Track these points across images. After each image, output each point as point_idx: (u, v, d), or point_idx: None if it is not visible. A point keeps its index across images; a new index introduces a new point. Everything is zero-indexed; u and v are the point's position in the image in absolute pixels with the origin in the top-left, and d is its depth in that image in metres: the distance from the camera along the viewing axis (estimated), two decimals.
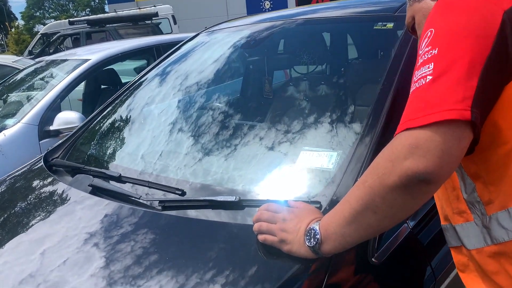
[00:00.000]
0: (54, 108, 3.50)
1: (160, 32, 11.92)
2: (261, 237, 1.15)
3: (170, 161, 1.76)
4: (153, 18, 11.83)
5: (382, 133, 1.33)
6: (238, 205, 1.36)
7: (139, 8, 14.38)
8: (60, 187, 1.78)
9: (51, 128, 3.41)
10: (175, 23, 13.96)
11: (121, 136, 2.13)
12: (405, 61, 1.51)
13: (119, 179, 1.71)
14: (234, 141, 1.74)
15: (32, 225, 1.58)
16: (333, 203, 1.24)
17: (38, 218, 1.61)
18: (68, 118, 3.39)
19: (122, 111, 2.34)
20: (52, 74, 4.18)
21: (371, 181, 0.89)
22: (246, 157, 1.62)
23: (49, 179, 1.89)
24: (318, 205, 1.22)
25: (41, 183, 1.90)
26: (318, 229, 1.02)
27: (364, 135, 1.36)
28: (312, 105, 1.74)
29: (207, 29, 2.67)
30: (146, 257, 1.26)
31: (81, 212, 1.56)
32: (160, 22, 12.47)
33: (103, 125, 2.31)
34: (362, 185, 0.92)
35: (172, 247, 1.30)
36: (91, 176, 1.76)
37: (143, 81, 2.52)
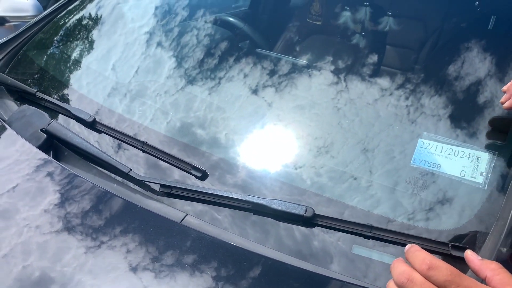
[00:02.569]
0: None
1: None
2: None
3: (187, 110, 1.10)
4: None
5: None
6: (306, 221, 0.77)
7: None
8: None
9: None
10: None
11: (97, 46, 1.42)
12: None
13: (93, 125, 1.06)
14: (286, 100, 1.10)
15: None
16: (486, 251, 0.69)
17: None
18: (18, 2, 2.56)
19: (96, 9, 1.60)
20: None
21: None
22: (314, 137, 1.00)
23: None
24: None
25: None
26: None
27: None
28: (431, 54, 1.09)
29: None
30: None
31: (19, 188, 0.92)
32: None
33: (68, 25, 1.58)
34: None
35: None
36: (45, 114, 1.09)
37: None
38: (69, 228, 0.81)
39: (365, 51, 1.21)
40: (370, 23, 1.33)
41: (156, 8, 1.59)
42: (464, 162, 0.79)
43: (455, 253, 0.69)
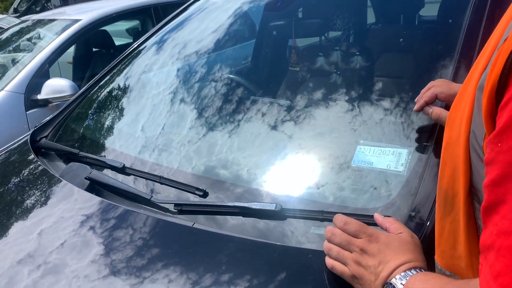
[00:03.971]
0: (42, 74, 3.13)
1: None
2: (328, 262, 0.87)
3: (189, 150, 1.43)
4: None
5: None
6: (278, 215, 1.06)
7: None
8: (50, 178, 1.47)
9: (39, 97, 3.06)
10: None
11: (124, 114, 1.80)
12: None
13: (123, 170, 1.40)
14: (263, 128, 1.42)
15: (11, 233, 1.27)
16: (411, 219, 0.95)
17: (19, 225, 1.29)
18: (58, 86, 3.03)
19: (123, 81, 1.99)
20: (39, 35, 3.78)
21: None
22: (281, 151, 1.31)
23: (37, 167, 1.57)
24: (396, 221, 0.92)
25: (27, 171, 1.58)
26: None
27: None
28: (364, 82, 1.41)
29: None
30: None
31: (76, 217, 1.25)
32: None
33: (100, 98, 1.97)
34: None
35: (195, 269, 1.01)
36: (88, 166, 1.44)
37: (144, 48, 2.16)
38: (116, 246, 1.12)
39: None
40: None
41: (174, 72, 1.96)
42: (390, 158, 1.08)
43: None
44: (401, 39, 1.41)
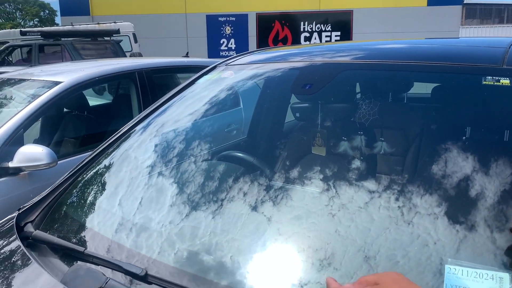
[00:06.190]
0: (14, 140, 2.84)
1: (121, 50, 11.24)
2: None
3: (238, 259, 1.21)
4: (114, 35, 11.18)
5: None
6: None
7: (98, 24, 13.61)
8: (50, 286, 1.20)
9: (10, 164, 2.75)
10: (135, 41, 13.31)
11: (136, 201, 1.56)
12: None
13: (145, 279, 1.16)
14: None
15: None
16: None
17: None
18: (33, 153, 2.73)
19: (130, 158, 1.77)
20: (10, 96, 3.50)
21: None
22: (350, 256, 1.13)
23: (31, 267, 1.29)
24: None
25: (17, 271, 1.30)
26: None
27: None
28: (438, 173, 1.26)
29: (227, 61, 2.18)
30: None
31: None
32: (121, 40, 11.80)
33: (103, 178, 1.73)
34: None
35: None
36: (99, 272, 1.19)
37: (145, 125, 1.97)
38: None
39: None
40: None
41: (164, 145, 1.77)
42: (490, 284, 0.92)
43: None
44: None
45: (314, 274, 1.08)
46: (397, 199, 1.22)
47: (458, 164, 1.23)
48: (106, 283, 1.13)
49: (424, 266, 1.02)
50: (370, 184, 1.31)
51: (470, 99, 1.49)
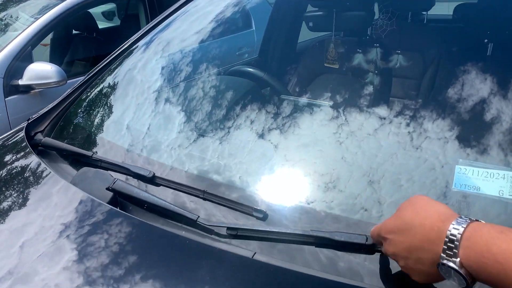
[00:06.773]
0: (24, 57, 2.81)
1: None
2: None
3: (240, 160, 1.21)
4: None
5: None
6: (368, 249, 0.86)
7: None
8: (60, 186, 1.22)
9: (20, 82, 2.74)
10: None
11: (146, 109, 1.54)
12: None
13: (153, 180, 1.16)
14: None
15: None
16: None
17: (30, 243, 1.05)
18: (42, 71, 2.72)
19: (143, 66, 1.73)
20: (16, 15, 3.42)
21: None
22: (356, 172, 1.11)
23: (42, 171, 1.31)
24: None
25: (29, 176, 1.32)
26: None
27: None
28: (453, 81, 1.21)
29: None
30: None
31: (101, 236, 1.02)
32: None
33: (112, 87, 1.70)
34: None
35: None
36: (109, 173, 1.19)
37: (155, 34, 1.91)
38: (139, 271, 0.90)
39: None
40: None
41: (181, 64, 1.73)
42: (501, 183, 0.90)
43: None
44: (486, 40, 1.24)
45: (320, 193, 1.06)
46: (408, 125, 1.17)
47: (475, 87, 1.17)
48: (114, 183, 1.13)
49: (429, 189, 0.99)
50: (382, 110, 1.25)
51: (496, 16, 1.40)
